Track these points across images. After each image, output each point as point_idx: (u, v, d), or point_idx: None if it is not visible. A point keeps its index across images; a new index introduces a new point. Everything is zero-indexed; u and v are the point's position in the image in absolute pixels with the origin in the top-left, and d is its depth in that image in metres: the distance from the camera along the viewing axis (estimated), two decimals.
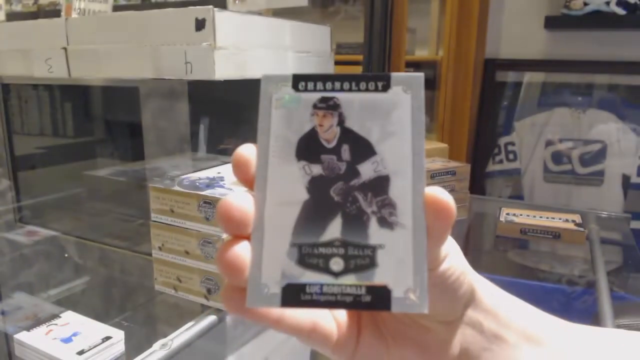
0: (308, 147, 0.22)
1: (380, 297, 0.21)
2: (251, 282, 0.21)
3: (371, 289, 0.21)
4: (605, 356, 0.29)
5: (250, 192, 0.23)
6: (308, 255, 0.21)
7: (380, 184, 0.22)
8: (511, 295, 0.29)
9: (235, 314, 0.23)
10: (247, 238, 0.22)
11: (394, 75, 0.23)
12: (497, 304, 0.28)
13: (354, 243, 0.21)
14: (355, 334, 0.27)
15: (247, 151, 0.22)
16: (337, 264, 0.21)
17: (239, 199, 0.21)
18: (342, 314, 0.27)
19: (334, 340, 0.26)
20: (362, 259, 0.21)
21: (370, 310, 0.25)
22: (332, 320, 0.26)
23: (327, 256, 0.21)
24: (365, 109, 0.23)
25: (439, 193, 0.22)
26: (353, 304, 0.21)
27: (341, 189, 0.22)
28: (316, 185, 0.22)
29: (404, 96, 0.23)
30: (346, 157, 0.22)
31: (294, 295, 0.21)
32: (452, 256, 0.25)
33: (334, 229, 0.22)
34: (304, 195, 0.22)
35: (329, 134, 0.23)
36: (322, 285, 0.21)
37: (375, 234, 0.21)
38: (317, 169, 0.22)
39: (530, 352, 0.28)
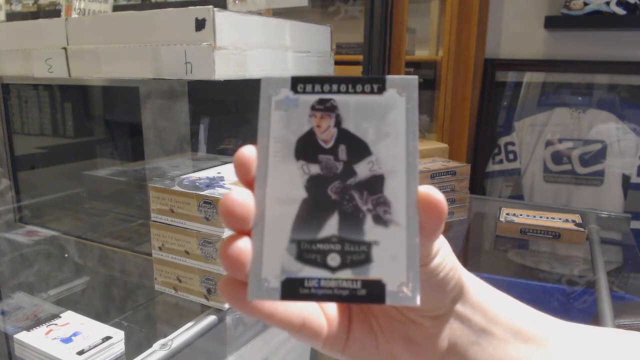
0: (306, 148, 0.23)
1: (375, 291, 0.22)
2: (252, 276, 0.22)
3: (366, 283, 0.22)
4: (602, 355, 0.29)
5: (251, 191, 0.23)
6: (306, 251, 0.22)
7: (375, 183, 0.23)
8: (500, 292, 0.30)
9: (233, 305, 0.23)
10: (248, 234, 0.22)
11: (389, 77, 0.23)
12: (485, 299, 0.28)
13: (350, 239, 0.22)
14: (346, 329, 0.27)
15: (248, 152, 0.23)
16: (334, 260, 0.22)
17: (240, 195, 0.22)
18: (332, 310, 0.27)
19: (324, 336, 0.26)
20: (357, 254, 0.22)
21: (366, 303, 0.26)
22: (323, 316, 0.27)
23: (325, 252, 0.22)
24: (361, 110, 0.23)
25: (431, 192, 0.22)
26: (349, 297, 0.22)
27: (338, 187, 0.23)
28: (314, 184, 0.23)
29: (398, 98, 0.23)
30: (343, 157, 0.23)
31: (293, 289, 0.22)
32: (443, 252, 0.25)
33: (331, 226, 0.22)
34: (302, 194, 0.23)
35: (327, 135, 0.23)
36: (319, 279, 0.22)
37: (371, 231, 0.22)
38: (315, 169, 0.23)
39: (519, 347, 0.28)
